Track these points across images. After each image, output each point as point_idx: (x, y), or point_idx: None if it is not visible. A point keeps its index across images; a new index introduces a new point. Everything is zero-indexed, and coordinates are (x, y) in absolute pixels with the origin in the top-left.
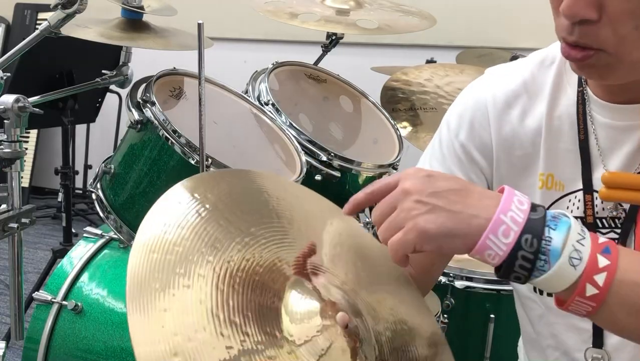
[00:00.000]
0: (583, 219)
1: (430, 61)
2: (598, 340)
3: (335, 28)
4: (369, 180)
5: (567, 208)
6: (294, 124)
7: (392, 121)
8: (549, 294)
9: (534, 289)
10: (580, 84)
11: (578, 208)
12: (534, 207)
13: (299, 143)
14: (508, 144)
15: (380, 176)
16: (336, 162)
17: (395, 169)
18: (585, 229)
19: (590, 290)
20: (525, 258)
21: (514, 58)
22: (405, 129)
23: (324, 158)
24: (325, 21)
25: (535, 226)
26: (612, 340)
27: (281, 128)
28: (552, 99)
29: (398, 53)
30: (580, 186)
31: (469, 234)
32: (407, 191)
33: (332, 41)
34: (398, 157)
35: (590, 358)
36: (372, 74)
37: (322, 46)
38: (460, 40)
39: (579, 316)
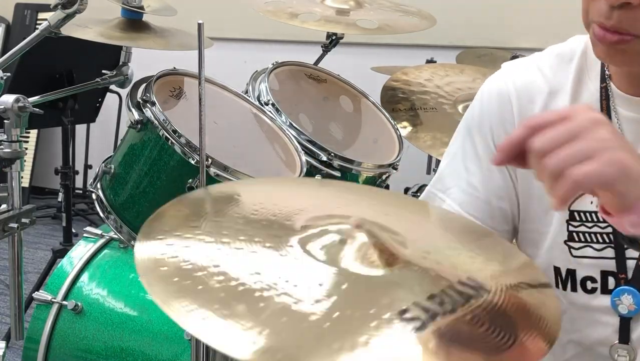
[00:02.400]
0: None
1: (430, 61)
2: (624, 336)
3: (335, 28)
4: (369, 180)
5: (592, 202)
6: (294, 124)
7: (392, 121)
8: (573, 290)
9: (557, 284)
10: (603, 80)
11: None
12: None
13: (299, 143)
14: None
15: (380, 176)
16: (336, 162)
17: (395, 169)
18: None
19: None
20: None
21: (514, 58)
22: (405, 129)
23: (324, 158)
24: (325, 21)
25: None
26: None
27: (281, 128)
28: (574, 96)
29: (398, 53)
30: None
31: None
32: (599, 121)
33: (332, 41)
34: (398, 157)
35: (616, 355)
36: (372, 74)
37: (322, 46)
38: (460, 40)
39: None
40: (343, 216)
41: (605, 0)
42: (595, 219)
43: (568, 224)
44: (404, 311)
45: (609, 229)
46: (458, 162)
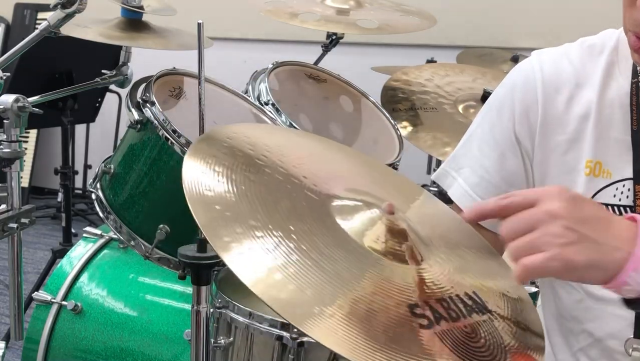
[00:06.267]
0: (632, 209)
1: (431, 61)
2: (639, 331)
3: (335, 28)
4: None
5: (614, 196)
6: (294, 124)
7: (392, 121)
8: None
9: None
10: (635, 75)
11: (628, 197)
12: None
13: None
14: (551, 127)
15: None
16: None
17: (396, 169)
18: None
19: None
20: None
21: (514, 58)
22: (405, 129)
23: None
24: (326, 21)
25: None
26: None
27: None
28: (602, 88)
29: (398, 53)
30: (628, 175)
31: (612, 268)
32: (555, 214)
33: (332, 41)
34: (398, 158)
35: (631, 349)
36: (372, 74)
37: (322, 46)
38: (461, 40)
39: None
40: (378, 198)
41: None
42: (617, 213)
43: None
44: (414, 306)
45: None
46: (473, 143)
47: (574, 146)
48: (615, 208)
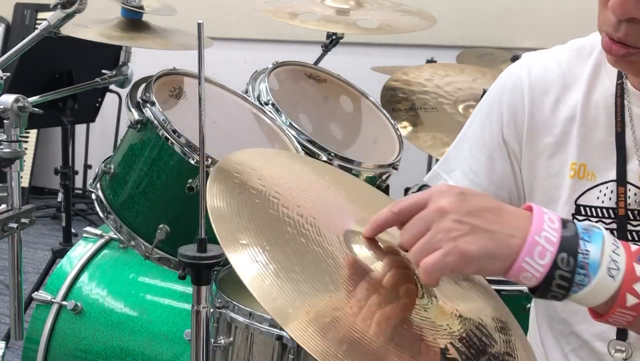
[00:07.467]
0: (615, 210)
1: (431, 61)
2: (621, 333)
3: (335, 28)
4: (369, 180)
5: (598, 198)
6: (294, 124)
7: (392, 121)
8: None
9: None
10: (620, 76)
11: (610, 199)
12: (564, 223)
13: (299, 143)
14: (537, 129)
15: (380, 176)
16: (336, 163)
17: (396, 169)
18: (617, 240)
19: (631, 300)
20: (563, 277)
21: (514, 58)
22: (405, 129)
23: (324, 158)
24: (326, 21)
25: (570, 243)
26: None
27: (281, 128)
28: (588, 90)
29: (398, 53)
30: (612, 177)
31: (508, 255)
32: (444, 210)
33: (332, 41)
34: (398, 157)
35: (614, 350)
36: (372, 74)
37: (322, 46)
38: (460, 40)
39: (617, 326)
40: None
41: (613, 13)
42: (600, 215)
43: (573, 217)
44: (445, 350)
45: (614, 225)
46: (464, 146)
47: (560, 149)
48: (598, 210)
